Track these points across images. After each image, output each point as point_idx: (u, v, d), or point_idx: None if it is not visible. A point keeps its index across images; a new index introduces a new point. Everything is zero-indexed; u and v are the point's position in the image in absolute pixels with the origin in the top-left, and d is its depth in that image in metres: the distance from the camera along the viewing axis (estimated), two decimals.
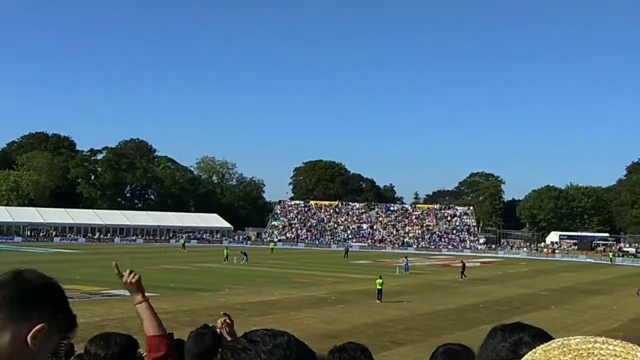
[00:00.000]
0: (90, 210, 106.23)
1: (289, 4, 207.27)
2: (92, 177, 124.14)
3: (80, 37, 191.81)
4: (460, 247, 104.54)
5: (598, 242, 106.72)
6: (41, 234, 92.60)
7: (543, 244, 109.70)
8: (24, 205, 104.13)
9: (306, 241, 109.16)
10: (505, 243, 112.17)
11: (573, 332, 25.83)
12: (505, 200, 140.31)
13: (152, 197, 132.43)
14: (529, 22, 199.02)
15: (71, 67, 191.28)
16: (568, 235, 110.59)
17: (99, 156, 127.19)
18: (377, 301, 34.64)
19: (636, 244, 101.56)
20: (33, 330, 1.60)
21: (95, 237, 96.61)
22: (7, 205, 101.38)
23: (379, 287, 35.37)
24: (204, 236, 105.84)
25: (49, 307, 1.70)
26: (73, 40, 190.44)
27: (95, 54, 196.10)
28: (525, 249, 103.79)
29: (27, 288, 1.68)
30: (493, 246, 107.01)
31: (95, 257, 63.32)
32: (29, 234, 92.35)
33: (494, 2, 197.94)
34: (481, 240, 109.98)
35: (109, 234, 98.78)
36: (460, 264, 54.82)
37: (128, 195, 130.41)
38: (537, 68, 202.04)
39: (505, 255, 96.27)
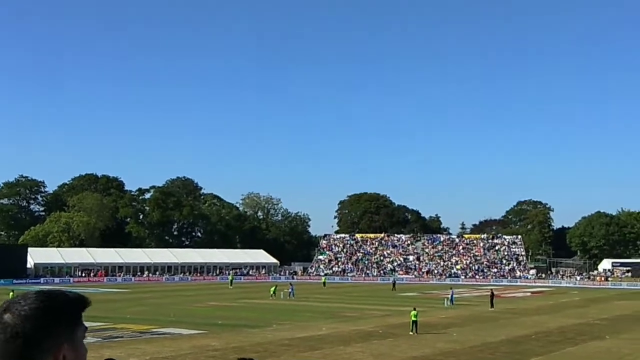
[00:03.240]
0: (139, 249, 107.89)
1: (321, 37, 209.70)
2: (141, 217, 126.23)
3: (123, 79, 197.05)
4: (509, 277, 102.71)
5: None
6: (92, 274, 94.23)
7: (595, 272, 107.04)
8: (75, 246, 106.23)
9: (353, 274, 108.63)
10: (556, 272, 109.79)
11: None
12: (555, 228, 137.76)
13: (199, 234, 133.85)
14: (569, 47, 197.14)
15: (118, 111, 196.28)
16: (621, 263, 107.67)
17: (147, 195, 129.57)
18: (411, 333, 34.40)
19: None
20: (60, 356, 1.63)
21: (145, 275, 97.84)
22: (58, 246, 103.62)
23: (413, 318, 35.26)
24: (250, 272, 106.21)
25: (61, 326, 1.64)
26: (117, 82, 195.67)
27: (139, 96, 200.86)
28: (577, 278, 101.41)
29: (27, 329, 1.61)
30: (543, 275, 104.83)
31: (145, 295, 64.22)
32: (80, 274, 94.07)
33: (532, 30, 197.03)
34: (531, 271, 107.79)
35: (157, 273, 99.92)
36: (489, 294, 54.33)
37: (175, 233, 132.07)
38: (581, 92, 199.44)
39: (557, 285, 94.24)
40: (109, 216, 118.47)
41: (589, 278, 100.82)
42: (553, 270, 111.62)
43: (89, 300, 1.76)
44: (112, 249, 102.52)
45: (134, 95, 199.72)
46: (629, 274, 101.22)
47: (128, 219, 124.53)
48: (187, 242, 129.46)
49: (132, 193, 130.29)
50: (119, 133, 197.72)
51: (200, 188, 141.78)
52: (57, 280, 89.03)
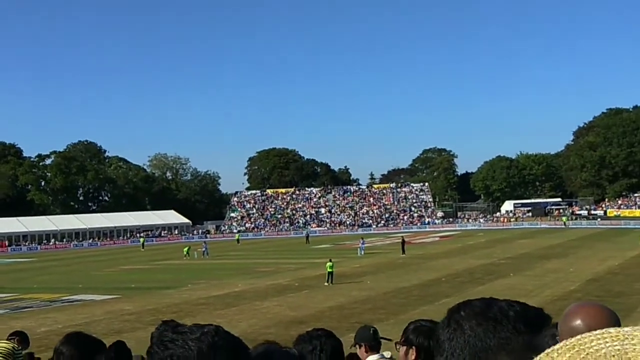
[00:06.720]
0: (43, 217, 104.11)
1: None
2: (42, 183, 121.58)
3: (17, 38, 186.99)
4: (418, 224, 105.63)
5: (551, 207, 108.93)
6: None
7: (499, 213, 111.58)
8: None
9: (266, 229, 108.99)
10: (462, 216, 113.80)
11: (534, 297, 26.50)
12: (459, 174, 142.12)
13: (106, 198, 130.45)
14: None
15: (10, 71, 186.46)
16: (522, 203, 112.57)
17: (48, 161, 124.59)
18: (326, 284, 35.02)
19: (587, 207, 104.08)
20: None
21: (51, 243, 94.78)
22: None
23: (329, 269, 35.82)
24: (162, 233, 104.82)
25: None
26: (10, 42, 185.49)
27: (34, 56, 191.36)
28: (481, 220, 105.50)
29: None
30: (451, 220, 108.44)
31: (52, 263, 62.29)
32: None
33: None
34: (439, 215, 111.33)
35: (64, 240, 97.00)
36: (401, 241, 55.43)
37: (81, 198, 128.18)
38: (477, 39, 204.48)
39: (463, 228, 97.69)
40: (8, 184, 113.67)
41: (493, 220, 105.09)
42: (459, 214, 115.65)
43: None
44: (13, 218, 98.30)
45: (23, 53, 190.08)
46: (530, 214, 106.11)
47: (29, 187, 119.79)
48: (94, 207, 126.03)
49: (32, 159, 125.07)
50: (13, 95, 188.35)
51: (105, 151, 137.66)
52: None
